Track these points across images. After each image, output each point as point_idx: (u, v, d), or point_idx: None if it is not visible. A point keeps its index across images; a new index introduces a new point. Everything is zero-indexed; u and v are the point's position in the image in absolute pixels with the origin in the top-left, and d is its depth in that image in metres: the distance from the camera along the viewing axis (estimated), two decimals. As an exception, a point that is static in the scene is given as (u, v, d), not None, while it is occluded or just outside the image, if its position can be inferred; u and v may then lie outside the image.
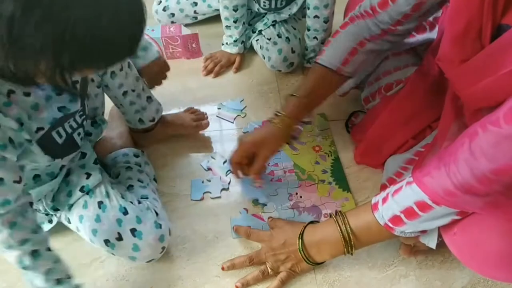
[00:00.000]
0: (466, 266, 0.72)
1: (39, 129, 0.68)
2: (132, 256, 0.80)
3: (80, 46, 0.50)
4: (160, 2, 1.36)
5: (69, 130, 0.74)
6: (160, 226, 0.81)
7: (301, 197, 0.96)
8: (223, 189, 0.97)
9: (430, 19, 0.96)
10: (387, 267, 0.85)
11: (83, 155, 0.84)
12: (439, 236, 0.73)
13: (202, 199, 0.96)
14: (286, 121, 0.88)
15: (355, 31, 0.86)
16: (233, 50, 1.26)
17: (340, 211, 0.78)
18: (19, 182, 0.64)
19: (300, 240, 0.79)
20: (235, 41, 1.23)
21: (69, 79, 0.56)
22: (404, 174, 0.90)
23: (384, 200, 0.70)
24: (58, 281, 0.67)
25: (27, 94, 0.65)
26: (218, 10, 1.32)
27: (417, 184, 0.65)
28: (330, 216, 0.80)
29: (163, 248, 0.82)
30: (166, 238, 0.82)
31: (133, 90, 0.91)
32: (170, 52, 1.28)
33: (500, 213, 0.63)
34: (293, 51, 1.20)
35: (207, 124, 1.07)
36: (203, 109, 1.14)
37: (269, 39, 1.22)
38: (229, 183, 0.99)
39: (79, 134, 0.77)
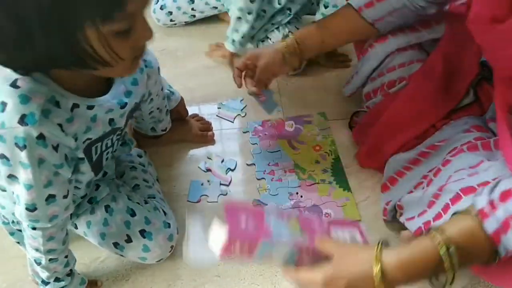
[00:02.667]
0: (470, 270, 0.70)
1: (88, 139, 0.66)
2: (142, 257, 0.80)
3: None
4: (158, 1, 1.36)
5: (103, 148, 0.73)
6: (168, 225, 0.82)
7: (301, 196, 0.96)
8: (221, 194, 0.97)
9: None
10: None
11: (104, 173, 0.83)
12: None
13: (198, 201, 0.96)
14: (292, 43, 0.91)
15: None
16: (236, 48, 1.19)
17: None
18: (66, 196, 0.65)
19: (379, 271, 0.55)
20: (243, 36, 1.16)
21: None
22: (406, 174, 0.89)
23: (494, 207, 0.55)
24: (57, 279, 0.72)
25: (90, 107, 0.63)
26: (216, 7, 1.31)
27: None
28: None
29: (172, 247, 0.83)
30: (174, 237, 0.83)
31: (158, 108, 0.92)
32: None
33: None
34: None
35: (212, 137, 1.07)
36: (203, 109, 1.14)
37: (274, 42, 1.20)
38: (229, 183, 0.99)
39: (107, 153, 0.76)
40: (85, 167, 0.68)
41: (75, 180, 0.69)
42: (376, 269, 0.54)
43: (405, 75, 0.93)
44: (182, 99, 1.04)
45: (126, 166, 0.91)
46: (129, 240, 0.78)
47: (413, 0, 0.85)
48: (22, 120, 0.54)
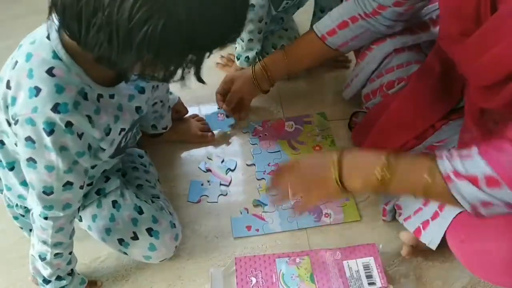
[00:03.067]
0: (472, 272, 0.71)
1: (122, 130, 0.68)
2: (147, 255, 0.80)
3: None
4: None
5: (129, 136, 0.75)
6: (174, 225, 0.83)
7: (301, 197, 0.96)
8: (221, 194, 0.97)
9: (434, 16, 0.95)
10: (387, 267, 0.85)
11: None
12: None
13: (199, 201, 0.96)
14: (259, 70, 1.01)
15: (352, 6, 0.90)
16: (250, 63, 1.15)
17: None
18: (82, 187, 0.67)
19: (337, 155, 0.67)
20: (257, 53, 1.15)
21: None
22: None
23: (452, 156, 0.60)
24: (59, 278, 0.73)
25: (112, 96, 0.65)
26: None
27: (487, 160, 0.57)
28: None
29: (176, 247, 0.83)
30: (179, 237, 0.83)
31: (161, 101, 0.92)
32: None
33: None
34: None
35: (213, 137, 1.07)
36: (203, 109, 1.14)
37: (267, 53, 1.17)
38: (229, 183, 0.99)
39: (130, 139, 0.79)
40: (105, 154, 0.69)
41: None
42: (335, 157, 0.66)
43: (403, 76, 0.94)
44: (179, 98, 1.05)
45: (128, 166, 0.91)
46: (135, 237, 0.79)
47: (374, 25, 0.90)
48: (55, 108, 0.56)
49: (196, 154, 1.05)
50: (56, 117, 0.57)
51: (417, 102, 0.90)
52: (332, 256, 0.83)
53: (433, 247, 0.74)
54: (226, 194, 0.97)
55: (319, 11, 1.17)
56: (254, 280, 0.80)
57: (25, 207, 0.76)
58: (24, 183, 0.70)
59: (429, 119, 0.90)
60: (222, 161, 1.03)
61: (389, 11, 0.86)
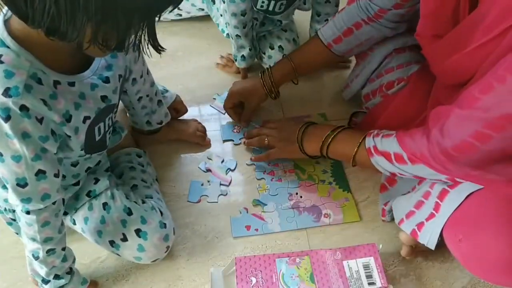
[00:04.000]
0: (470, 272, 0.71)
1: (86, 118, 0.68)
2: (137, 256, 0.80)
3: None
4: None
5: (106, 128, 0.75)
6: (164, 225, 0.81)
7: (301, 197, 0.96)
8: (221, 194, 0.97)
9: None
10: (387, 267, 0.85)
11: (98, 162, 0.84)
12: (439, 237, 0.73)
13: (199, 201, 0.96)
14: (268, 80, 1.03)
15: (354, 12, 0.91)
16: (247, 63, 1.19)
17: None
18: (57, 176, 0.66)
19: (305, 126, 0.93)
20: (250, 49, 1.16)
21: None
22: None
23: (376, 135, 0.80)
24: (57, 276, 0.72)
25: (72, 84, 0.65)
26: (202, 9, 1.31)
27: (399, 141, 0.74)
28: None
29: (168, 247, 0.82)
30: (170, 238, 0.82)
31: (147, 95, 0.92)
32: None
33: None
34: None
35: (209, 142, 1.07)
36: (203, 109, 1.14)
37: (264, 53, 1.20)
38: (229, 183, 0.99)
39: (109, 134, 0.78)
40: (74, 144, 0.68)
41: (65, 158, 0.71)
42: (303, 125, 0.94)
43: (403, 76, 0.94)
44: (177, 96, 1.05)
45: (125, 166, 0.91)
46: (124, 239, 0.78)
47: (379, 29, 0.91)
48: (6, 93, 0.56)
49: (196, 154, 1.05)
50: (8, 101, 0.56)
51: (417, 103, 0.91)
52: (332, 256, 0.83)
53: (432, 246, 0.74)
54: (226, 194, 0.97)
55: (316, 15, 1.18)
56: (254, 280, 0.80)
57: (14, 210, 0.75)
58: (5, 187, 0.70)
59: None
60: (222, 161, 1.03)
61: (390, 13, 0.87)
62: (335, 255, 0.83)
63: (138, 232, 0.79)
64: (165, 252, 0.82)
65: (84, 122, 0.68)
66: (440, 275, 0.84)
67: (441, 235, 0.73)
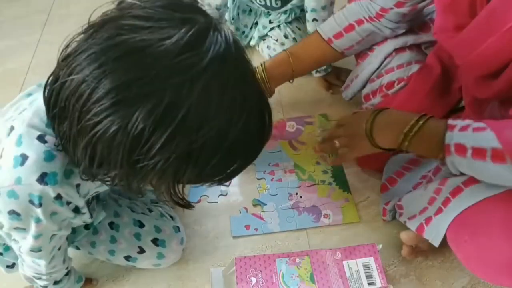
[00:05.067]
0: (473, 273, 0.71)
1: (95, 192, 0.66)
2: (156, 263, 0.80)
3: (204, 164, 0.47)
4: None
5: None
6: (178, 229, 0.82)
7: (301, 197, 0.96)
8: (221, 194, 0.97)
9: (434, 17, 0.95)
10: (387, 267, 0.85)
11: (97, 197, 0.79)
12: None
13: (198, 201, 0.96)
14: (262, 74, 0.96)
15: (356, 10, 0.91)
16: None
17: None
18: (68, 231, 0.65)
19: (373, 116, 0.78)
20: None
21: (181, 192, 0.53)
22: (405, 174, 0.89)
23: (463, 128, 0.66)
24: (56, 282, 0.71)
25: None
26: None
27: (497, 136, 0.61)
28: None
29: (183, 249, 0.84)
30: (184, 240, 0.83)
31: None
32: None
33: None
34: None
35: None
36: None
37: (276, 40, 1.22)
38: (229, 183, 0.99)
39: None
40: (86, 215, 0.66)
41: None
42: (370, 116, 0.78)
43: (403, 76, 0.94)
44: None
45: None
46: (141, 251, 0.78)
47: (380, 28, 0.91)
48: (42, 179, 0.51)
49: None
50: (44, 189, 0.52)
51: (417, 103, 0.90)
52: (332, 256, 0.83)
53: (436, 243, 0.73)
54: (226, 194, 0.97)
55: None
56: (254, 280, 0.80)
57: (4, 244, 0.72)
58: None
59: None
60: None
61: (392, 13, 0.86)
62: (335, 255, 0.83)
63: (155, 241, 0.78)
64: (181, 254, 0.83)
65: (92, 196, 0.67)
66: (440, 275, 0.84)
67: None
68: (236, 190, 0.98)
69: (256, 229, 0.91)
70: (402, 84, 0.94)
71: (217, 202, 0.96)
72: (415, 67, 0.93)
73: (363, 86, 1.03)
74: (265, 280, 0.79)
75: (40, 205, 0.53)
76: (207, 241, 0.90)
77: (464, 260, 0.71)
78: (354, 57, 1.10)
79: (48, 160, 0.51)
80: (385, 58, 0.97)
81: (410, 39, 0.94)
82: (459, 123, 0.67)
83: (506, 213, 0.65)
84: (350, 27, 0.92)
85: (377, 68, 0.98)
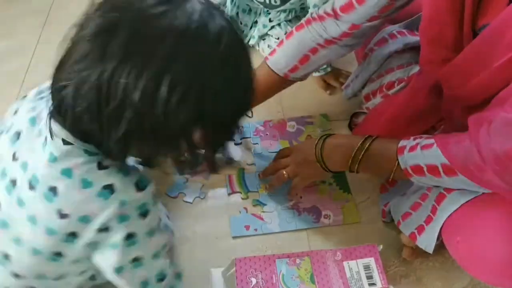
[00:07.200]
0: (468, 273, 0.71)
1: None
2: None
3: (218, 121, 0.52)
4: None
5: None
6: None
7: (301, 197, 0.96)
8: (198, 197, 0.96)
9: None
10: (387, 268, 0.85)
11: None
12: (437, 238, 0.73)
13: (176, 197, 0.95)
14: None
15: (306, 37, 0.85)
16: None
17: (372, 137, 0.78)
18: None
19: (322, 140, 0.81)
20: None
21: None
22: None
23: (412, 149, 0.70)
24: None
25: None
26: None
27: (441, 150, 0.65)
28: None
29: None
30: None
31: None
32: None
33: None
34: None
35: None
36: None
37: (277, 39, 1.21)
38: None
39: None
40: None
41: None
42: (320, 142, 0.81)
43: (404, 77, 0.94)
44: None
45: None
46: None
47: (340, 47, 0.86)
48: (138, 186, 0.53)
49: (196, 154, 1.05)
50: (142, 195, 0.53)
51: (418, 103, 0.90)
52: (332, 256, 0.83)
53: (430, 251, 0.75)
54: (204, 198, 0.96)
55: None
56: (254, 280, 0.80)
57: None
58: None
59: (430, 120, 0.89)
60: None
61: (363, 27, 0.82)
62: (335, 255, 0.83)
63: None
64: None
65: None
66: (441, 276, 0.84)
67: (440, 236, 0.73)
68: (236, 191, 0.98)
69: (256, 230, 0.91)
70: (402, 84, 0.93)
71: (191, 203, 0.95)
72: (415, 68, 0.93)
73: (363, 86, 1.03)
74: (265, 281, 0.79)
75: (147, 212, 0.54)
76: (207, 242, 0.89)
77: (458, 260, 0.71)
78: (354, 57, 1.10)
79: (126, 175, 0.53)
80: (385, 59, 0.97)
81: (411, 41, 0.94)
82: (408, 143, 0.71)
83: (497, 212, 0.66)
84: (305, 58, 0.87)
85: (377, 68, 0.98)
